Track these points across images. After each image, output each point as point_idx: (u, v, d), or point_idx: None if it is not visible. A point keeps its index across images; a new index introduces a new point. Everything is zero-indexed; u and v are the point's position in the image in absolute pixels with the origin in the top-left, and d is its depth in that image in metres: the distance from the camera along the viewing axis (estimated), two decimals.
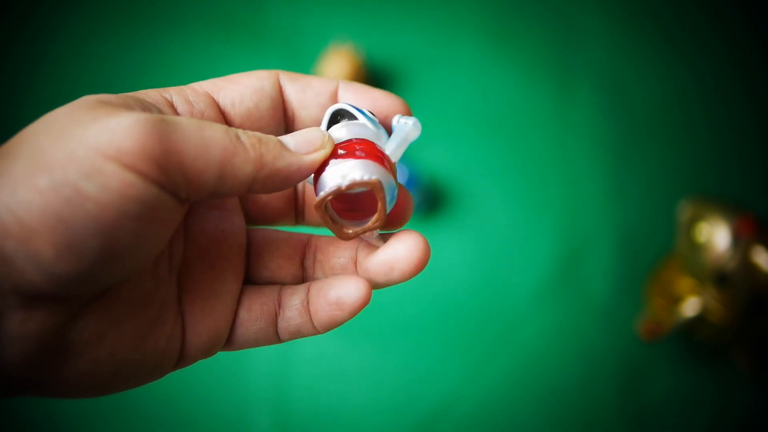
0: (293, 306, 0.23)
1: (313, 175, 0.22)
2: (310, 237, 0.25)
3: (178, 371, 0.23)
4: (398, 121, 0.24)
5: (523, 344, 0.61)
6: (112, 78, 0.71)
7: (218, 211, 0.24)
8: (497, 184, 0.67)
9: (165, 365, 0.22)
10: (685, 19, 0.74)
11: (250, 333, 0.23)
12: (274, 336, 0.23)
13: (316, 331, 0.23)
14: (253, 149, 0.20)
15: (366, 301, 0.22)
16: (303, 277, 0.24)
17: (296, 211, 0.26)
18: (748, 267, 0.53)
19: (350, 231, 0.22)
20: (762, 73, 0.72)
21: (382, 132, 0.23)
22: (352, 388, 0.59)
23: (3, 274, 0.17)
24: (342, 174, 0.21)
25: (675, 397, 0.59)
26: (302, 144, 0.22)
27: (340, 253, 0.24)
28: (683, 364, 0.60)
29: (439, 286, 0.63)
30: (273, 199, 0.26)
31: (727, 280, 0.54)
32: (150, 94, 0.22)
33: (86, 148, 0.17)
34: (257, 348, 0.24)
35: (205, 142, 0.19)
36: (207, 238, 0.23)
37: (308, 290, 0.23)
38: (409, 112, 0.25)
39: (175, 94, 0.22)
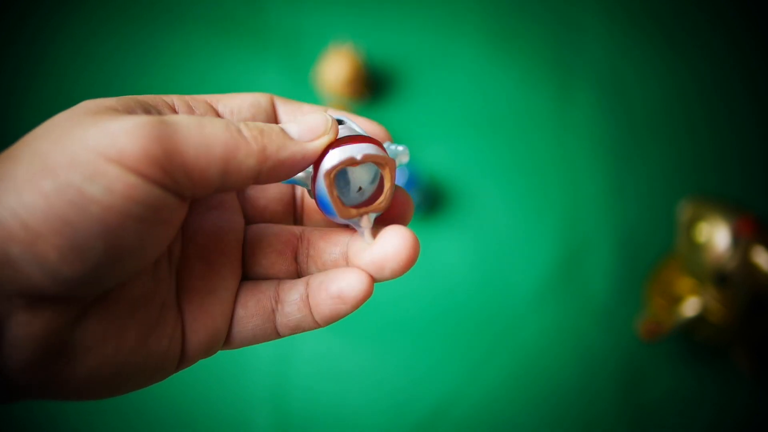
0: (292, 301, 0.23)
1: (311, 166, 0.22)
2: (302, 230, 0.24)
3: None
4: (389, 147, 0.25)
5: (523, 344, 0.61)
6: (112, 78, 0.71)
7: (216, 209, 0.24)
8: (497, 184, 0.67)
9: (167, 366, 0.22)
10: (685, 19, 0.74)
11: (246, 330, 0.23)
12: (272, 332, 0.23)
13: (317, 325, 0.23)
14: (255, 141, 0.20)
15: (368, 294, 0.22)
16: (297, 272, 0.24)
17: (295, 214, 0.26)
18: (748, 267, 0.53)
19: (352, 209, 0.22)
20: (762, 73, 0.72)
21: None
22: (352, 388, 0.59)
23: (8, 276, 0.17)
24: (354, 151, 0.21)
25: (675, 397, 0.59)
26: (306, 131, 0.21)
27: (331, 249, 0.23)
28: (683, 364, 0.60)
29: (439, 286, 0.63)
30: (272, 203, 0.25)
31: (727, 280, 0.54)
32: (151, 97, 0.22)
33: (88, 151, 0.18)
34: (257, 348, 0.24)
35: (207, 140, 0.19)
36: (205, 235, 0.23)
37: (307, 284, 0.23)
38: (390, 139, 0.25)
39: (176, 99, 0.22)
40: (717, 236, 0.55)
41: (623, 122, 0.70)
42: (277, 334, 0.23)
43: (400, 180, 0.59)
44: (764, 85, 0.71)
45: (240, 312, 0.23)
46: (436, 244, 0.64)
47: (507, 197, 0.67)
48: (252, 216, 0.25)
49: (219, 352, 0.24)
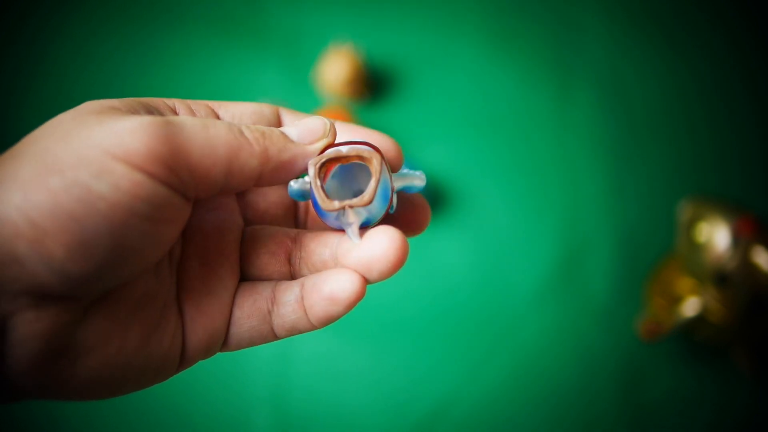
0: (288, 302, 0.23)
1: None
2: (297, 233, 0.24)
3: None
4: (403, 171, 0.24)
5: (523, 344, 0.61)
6: (112, 78, 0.71)
7: (215, 210, 0.24)
8: (497, 184, 0.67)
9: (168, 367, 0.22)
10: (685, 19, 0.74)
11: (243, 331, 0.23)
12: (269, 333, 0.23)
13: (312, 327, 0.23)
14: (257, 143, 0.20)
15: (360, 295, 0.21)
16: (291, 273, 0.24)
17: (296, 220, 0.26)
18: (748, 267, 0.53)
19: (336, 202, 0.21)
20: (762, 73, 0.72)
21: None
22: (352, 387, 0.59)
23: (14, 274, 0.17)
24: (344, 147, 0.22)
25: (675, 397, 0.59)
26: (305, 134, 0.22)
27: (321, 251, 0.23)
28: (683, 364, 0.60)
29: (439, 286, 0.63)
30: (272, 207, 0.25)
31: (727, 280, 0.54)
32: (153, 100, 0.22)
33: (95, 149, 0.18)
34: (257, 348, 0.24)
35: (210, 141, 0.19)
36: (204, 236, 0.23)
37: (302, 286, 0.23)
38: (400, 152, 0.25)
39: (178, 102, 0.23)
40: (717, 236, 0.55)
41: (623, 122, 0.70)
42: (274, 336, 0.23)
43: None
44: (764, 85, 0.72)
45: (237, 313, 0.23)
46: (436, 244, 0.64)
47: (507, 197, 0.67)
48: (252, 220, 0.25)
49: (218, 353, 0.24)
